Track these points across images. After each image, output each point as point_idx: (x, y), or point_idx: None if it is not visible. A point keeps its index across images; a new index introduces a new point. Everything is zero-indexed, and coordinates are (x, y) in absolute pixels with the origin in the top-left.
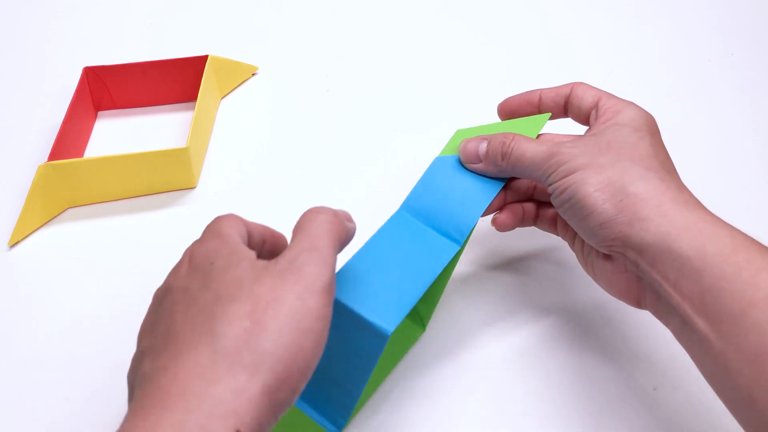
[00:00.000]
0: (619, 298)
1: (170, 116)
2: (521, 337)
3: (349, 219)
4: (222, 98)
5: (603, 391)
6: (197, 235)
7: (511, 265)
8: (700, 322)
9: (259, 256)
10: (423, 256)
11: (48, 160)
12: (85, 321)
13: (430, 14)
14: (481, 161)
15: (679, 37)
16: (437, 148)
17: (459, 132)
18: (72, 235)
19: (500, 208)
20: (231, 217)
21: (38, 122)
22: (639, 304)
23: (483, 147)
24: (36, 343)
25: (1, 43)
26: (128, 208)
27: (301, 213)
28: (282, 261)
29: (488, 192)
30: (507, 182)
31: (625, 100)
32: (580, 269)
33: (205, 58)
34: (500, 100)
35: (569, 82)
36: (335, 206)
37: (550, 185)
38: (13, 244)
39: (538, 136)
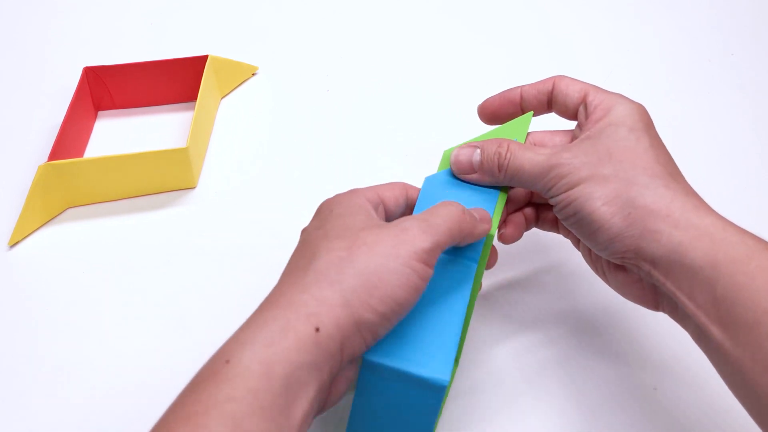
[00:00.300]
0: (636, 303)
1: (170, 116)
2: (521, 337)
3: (486, 220)
4: (222, 98)
5: (603, 391)
6: (197, 235)
7: (510, 266)
8: (715, 331)
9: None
10: (445, 287)
11: (48, 160)
12: (84, 321)
13: (430, 14)
14: (475, 171)
15: (679, 37)
16: (437, 147)
17: (447, 152)
18: (72, 235)
19: (503, 220)
20: (367, 188)
21: (38, 122)
22: (657, 307)
23: (476, 156)
24: (36, 343)
25: (1, 43)
26: (128, 208)
27: (301, 213)
28: (394, 222)
29: (490, 201)
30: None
31: (613, 93)
32: (579, 272)
33: (205, 58)
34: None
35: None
36: None
37: (552, 197)
38: (13, 244)
39: (528, 135)
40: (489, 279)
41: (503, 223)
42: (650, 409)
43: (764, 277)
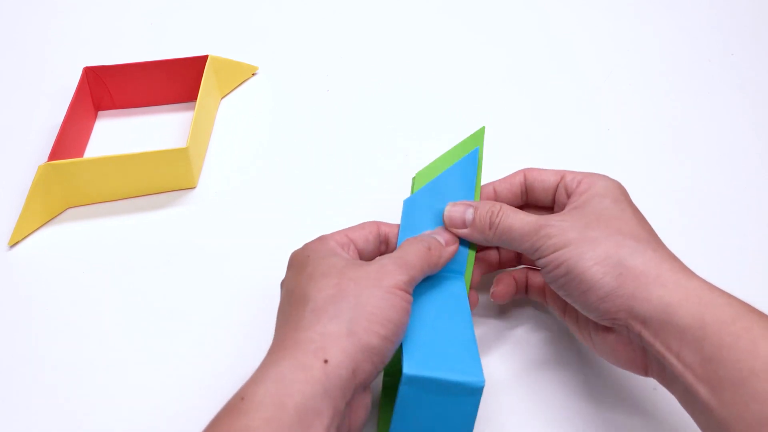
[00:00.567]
0: (625, 368)
1: (170, 116)
2: (521, 337)
3: (451, 242)
4: (222, 98)
5: (603, 391)
6: (197, 235)
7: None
8: (702, 390)
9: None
10: (443, 298)
11: (48, 160)
12: (84, 321)
13: (430, 14)
14: (466, 227)
15: (679, 37)
16: (437, 147)
17: (418, 174)
18: (72, 235)
19: (496, 268)
20: (335, 232)
21: (38, 122)
22: (646, 372)
23: (469, 214)
24: (36, 343)
25: (1, 43)
26: (128, 208)
27: (301, 213)
28: (372, 261)
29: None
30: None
31: (590, 173)
32: None
33: (205, 58)
34: (500, 101)
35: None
36: (334, 206)
37: (539, 259)
38: (13, 244)
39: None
40: (489, 279)
41: (495, 281)
42: (650, 409)
43: (749, 338)
